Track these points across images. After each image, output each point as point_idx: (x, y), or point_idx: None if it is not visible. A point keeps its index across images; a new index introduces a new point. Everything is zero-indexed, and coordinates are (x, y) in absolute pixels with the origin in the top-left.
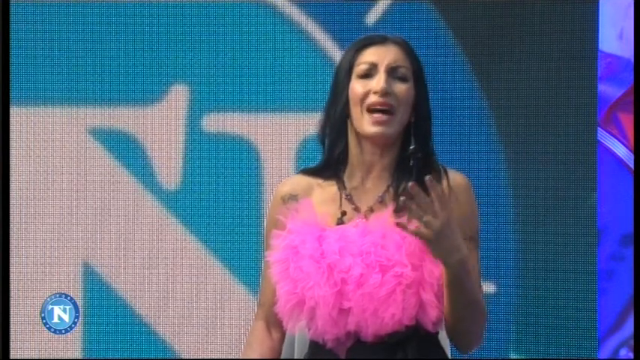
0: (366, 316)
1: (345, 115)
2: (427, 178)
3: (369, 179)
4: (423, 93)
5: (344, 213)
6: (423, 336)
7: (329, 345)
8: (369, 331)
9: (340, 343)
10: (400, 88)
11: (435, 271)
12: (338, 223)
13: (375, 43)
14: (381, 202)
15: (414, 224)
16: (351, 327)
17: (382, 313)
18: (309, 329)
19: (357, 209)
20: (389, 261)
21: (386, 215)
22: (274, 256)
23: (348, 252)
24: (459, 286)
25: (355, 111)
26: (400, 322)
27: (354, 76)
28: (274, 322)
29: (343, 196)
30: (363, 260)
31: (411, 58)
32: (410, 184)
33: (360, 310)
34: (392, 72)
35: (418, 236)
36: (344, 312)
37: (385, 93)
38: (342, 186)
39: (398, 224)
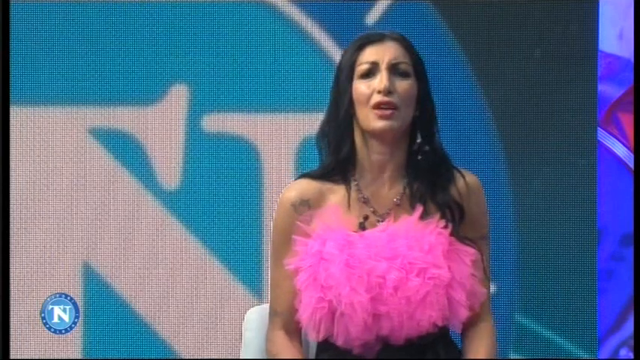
0: (403, 319)
1: (350, 115)
2: None
3: (383, 181)
4: (425, 87)
5: (366, 217)
6: (447, 334)
7: (356, 351)
8: (402, 335)
9: (368, 348)
10: (402, 84)
11: (465, 270)
12: (360, 228)
13: (374, 41)
14: (399, 205)
15: (440, 224)
16: (385, 331)
17: (420, 315)
18: (336, 336)
19: (375, 212)
20: (425, 263)
21: (413, 218)
22: (299, 263)
23: (381, 256)
24: None
25: (362, 111)
26: (435, 323)
27: (356, 77)
28: (293, 331)
29: (360, 200)
30: (398, 264)
31: (411, 53)
32: None
33: (396, 314)
34: (393, 69)
35: None
36: (377, 317)
37: (388, 92)
38: (356, 190)
39: None
